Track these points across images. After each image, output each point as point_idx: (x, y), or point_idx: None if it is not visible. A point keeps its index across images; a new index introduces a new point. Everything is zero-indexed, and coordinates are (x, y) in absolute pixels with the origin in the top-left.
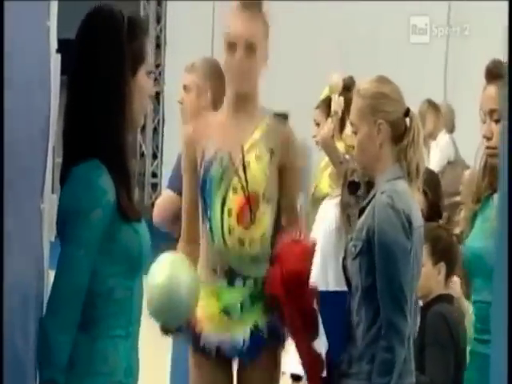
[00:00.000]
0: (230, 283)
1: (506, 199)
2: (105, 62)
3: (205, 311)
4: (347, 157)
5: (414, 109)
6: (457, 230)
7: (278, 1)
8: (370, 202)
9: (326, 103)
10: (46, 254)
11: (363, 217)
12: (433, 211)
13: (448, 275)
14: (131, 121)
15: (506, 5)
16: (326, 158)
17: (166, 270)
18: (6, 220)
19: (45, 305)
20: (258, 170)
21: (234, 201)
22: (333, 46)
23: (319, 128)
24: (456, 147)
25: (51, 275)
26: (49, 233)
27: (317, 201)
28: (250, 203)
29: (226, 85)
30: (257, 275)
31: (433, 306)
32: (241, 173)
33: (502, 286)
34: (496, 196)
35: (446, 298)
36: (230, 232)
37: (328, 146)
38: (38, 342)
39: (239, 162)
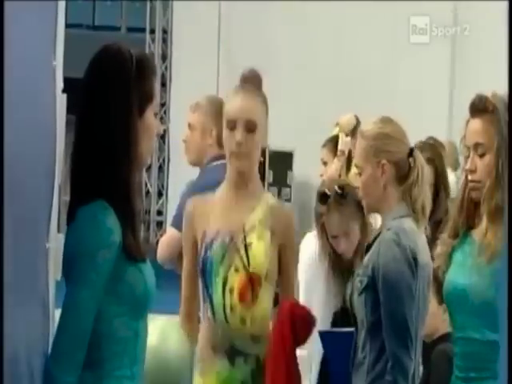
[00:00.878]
0: (231, 362)
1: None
2: (112, 102)
3: None
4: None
5: (415, 110)
6: (434, 264)
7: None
8: (376, 238)
9: (334, 142)
10: (52, 294)
11: (369, 253)
12: (441, 179)
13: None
14: (138, 161)
15: (506, 5)
16: None
17: (155, 334)
18: (11, 260)
19: (50, 347)
20: (260, 250)
21: (236, 280)
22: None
23: (326, 167)
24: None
25: (57, 314)
26: (55, 272)
27: None
28: (252, 283)
29: (226, 161)
30: (258, 353)
31: (438, 345)
32: (243, 253)
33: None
34: (475, 232)
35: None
36: (231, 310)
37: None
38: (44, 382)
39: (241, 242)
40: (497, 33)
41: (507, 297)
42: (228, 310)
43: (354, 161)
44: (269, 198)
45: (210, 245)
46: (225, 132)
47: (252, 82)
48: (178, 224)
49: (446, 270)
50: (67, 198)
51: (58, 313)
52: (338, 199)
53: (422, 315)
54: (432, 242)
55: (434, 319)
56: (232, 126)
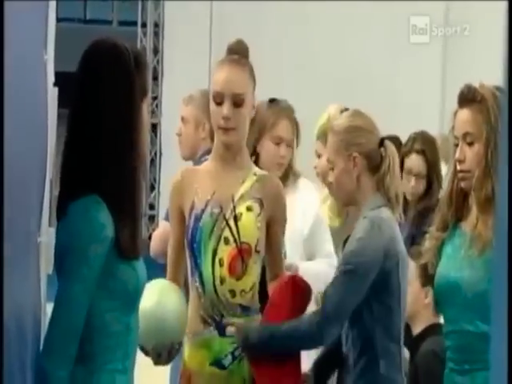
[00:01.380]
0: (221, 333)
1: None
2: (115, 96)
3: (195, 363)
4: None
5: (415, 110)
6: (422, 261)
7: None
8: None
9: (326, 134)
10: (44, 288)
11: (347, 244)
12: (433, 170)
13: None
14: (142, 155)
15: (505, 5)
16: (326, 190)
17: (154, 296)
18: (4, 254)
19: (42, 340)
20: (250, 221)
21: (226, 251)
22: (332, 65)
23: (319, 160)
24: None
25: (48, 308)
26: (46, 266)
27: None
28: (242, 254)
29: (214, 135)
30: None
31: (424, 339)
32: (232, 224)
33: (503, 314)
34: (465, 223)
35: (438, 329)
36: (221, 282)
37: (327, 178)
38: (36, 377)
39: (230, 213)
40: (497, 33)
41: (507, 288)
42: (218, 282)
43: (326, 156)
44: (257, 170)
45: (199, 215)
46: (211, 105)
47: (239, 52)
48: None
49: (436, 264)
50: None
51: (49, 307)
52: None
53: (403, 303)
54: (419, 232)
55: (416, 302)
56: (219, 99)
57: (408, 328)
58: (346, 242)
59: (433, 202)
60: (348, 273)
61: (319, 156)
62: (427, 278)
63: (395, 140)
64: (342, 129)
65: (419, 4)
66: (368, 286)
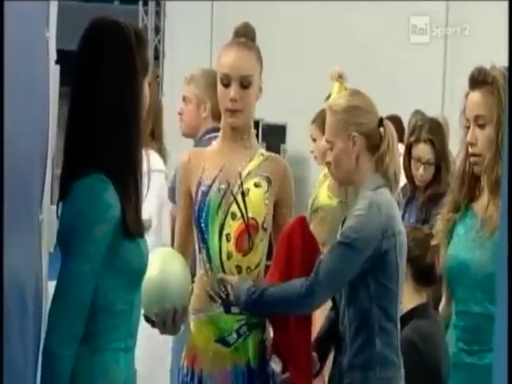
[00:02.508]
0: (227, 310)
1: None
2: (116, 73)
3: (201, 340)
4: None
5: (415, 109)
6: (433, 241)
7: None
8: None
9: (322, 117)
10: (45, 265)
11: (346, 221)
12: (441, 158)
13: (418, 283)
14: (142, 133)
15: (506, 5)
16: (325, 170)
17: (156, 262)
18: (5, 231)
19: (44, 315)
20: (257, 197)
21: (233, 226)
22: (332, 50)
23: (316, 143)
24: (452, 160)
25: (50, 286)
26: (48, 244)
27: (315, 211)
28: (249, 230)
29: (215, 114)
30: None
31: (406, 323)
32: (240, 199)
33: (506, 295)
34: (476, 205)
35: (419, 312)
36: (228, 258)
37: (324, 158)
38: (42, 356)
39: (238, 189)
40: (497, 33)
41: (507, 270)
42: (224, 257)
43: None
44: (264, 151)
45: (206, 191)
46: (219, 87)
47: (245, 35)
48: (173, 197)
49: (448, 245)
50: (59, 171)
51: (51, 284)
52: None
53: (398, 285)
54: (429, 217)
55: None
56: (226, 81)
57: None
58: (344, 221)
59: (442, 188)
60: (345, 245)
61: (314, 140)
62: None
63: (395, 119)
64: (340, 108)
65: (419, 4)
66: (362, 261)
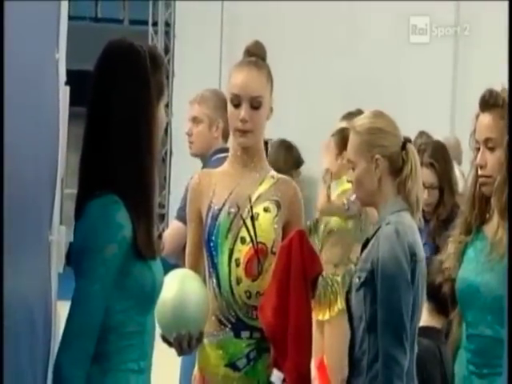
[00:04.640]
0: (237, 335)
1: None
2: (131, 96)
3: (210, 365)
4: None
5: (416, 110)
6: (445, 265)
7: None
8: (375, 233)
9: (341, 136)
10: (55, 286)
11: (368, 248)
12: (444, 181)
13: (434, 308)
14: (157, 154)
15: (506, 4)
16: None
17: (174, 284)
18: (14, 252)
19: (53, 336)
20: (267, 221)
21: (242, 251)
22: (340, 69)
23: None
24: (465, 179)
25: (59, 306)
26: (57, 264)
27: (332, 232)
28: (259, 255)
29: (226, 134)
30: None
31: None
32: (249, 223)
33: None
34: (487, 227)
35: (426, 332)
36: (238, 283)
37: (327, 212)
38: (53, 376)
39: (247, 213)
40: (497, 33)
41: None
42: (234, 282)
43: (347, 156)
44: (274, 173)
45: (216, 215)
46: (229, 107)
47: (256, 54)
48: (182, 217)
49: (459, 268)
50: (69, 190)
51: (60, 304)
52: None
53: (419, 310)
54: (436, 239)
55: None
56: (236, 102)
57: None
58: (365, 244)
59: (446, 211)
60: (387, 281)
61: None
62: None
63: (432, 147)
64: (364, 129)
65: (419, 4)
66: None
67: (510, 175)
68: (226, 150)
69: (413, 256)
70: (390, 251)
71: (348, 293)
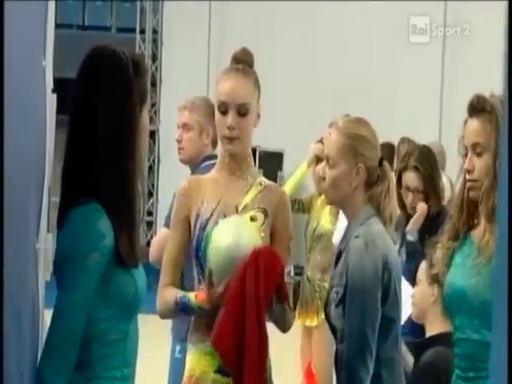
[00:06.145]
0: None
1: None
2: (113, 103)
3: (200, 370)
4: None
5: (415, 110)
6: (433, 271)
7: None
8: (346, 246)
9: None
10: (42, 294)
11: (341, 262)
12: (429, 185)
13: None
14: (140, 162)
15: (505, 5)
16: (322, 197)
17: (228, 233)
18: (1, 260)
19: (40, 345)
20: (253, 231)
21: None
22: (330, 75)
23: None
24: (453, 185)
25: (46, 315)
26: (44, 272)
27: (319, 238)
28: None
29: (216, 141)
30: None
31: (430, 346)
32: None
33: (503, 322)
34: (474, 232)
35: (444, 340)
36: None
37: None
38: None
39: None
40: (496, 33)
41: (507, 296)
42: None
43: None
44: (263, 179)
45: (204, 226)
46: (216, 114)
47: (244, 61)
48: (170, 224)
49: (447, 273)
50: (56, 198)
51: (47, 313)
52: None
53: (400, 310)
54: (423, 245)
55: (423, 301)
56: (224, 109)
57: (416, 328)
58: (338, 257)
59: (432, 215)
60: (357, 296)
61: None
62: (434, 276)
63: (389, 147)
64: (351, 134)
65: (419, 4)
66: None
67: (510, 178)
68: (215, 157)
69: (385, 264)
70: (359, 266)
71: (326, 306)
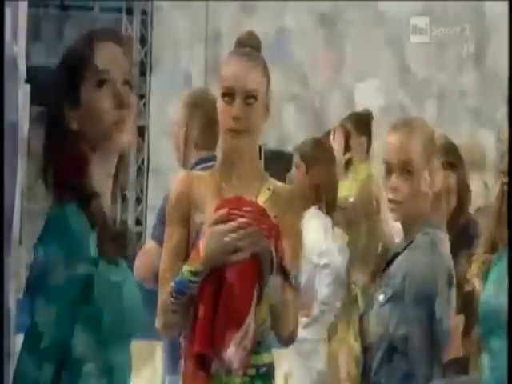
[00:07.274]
0: (228, 372)
1: None
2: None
3: None
4: None
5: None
6: (468, 287)
7: None
8: (405, 248)
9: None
10: (13, 314)
11: (396, 262)
12: (463, 191)
13: (466, 332)
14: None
15: (506, 5)
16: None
17: None
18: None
19: (11, 369)
20: None
21: None
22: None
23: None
24: (488, 190)
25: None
26: (16, 290)
27: None
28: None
29: (220, 138)
30: (258, 363)
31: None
32: None
33: None
34: None
35: (460, 364)
36: None
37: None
38: None
39: None
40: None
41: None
42: None
43: (405, 157)
44: (272, 182)
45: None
46: (219, 104)
47: (250, 45)
48: (157, 236)
49: (483, 289)
50: (31, 205)
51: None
52: None
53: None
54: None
55: (454, 329)
56: (229, 96)
57: None
58: (391, 260)
59: (463, 221)
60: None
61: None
62: (460, 304)
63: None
64: (430, 136)
65: (419, 4)
66: None
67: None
68: (209, 160)
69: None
70: (428, 266)
71: (364, 314)
